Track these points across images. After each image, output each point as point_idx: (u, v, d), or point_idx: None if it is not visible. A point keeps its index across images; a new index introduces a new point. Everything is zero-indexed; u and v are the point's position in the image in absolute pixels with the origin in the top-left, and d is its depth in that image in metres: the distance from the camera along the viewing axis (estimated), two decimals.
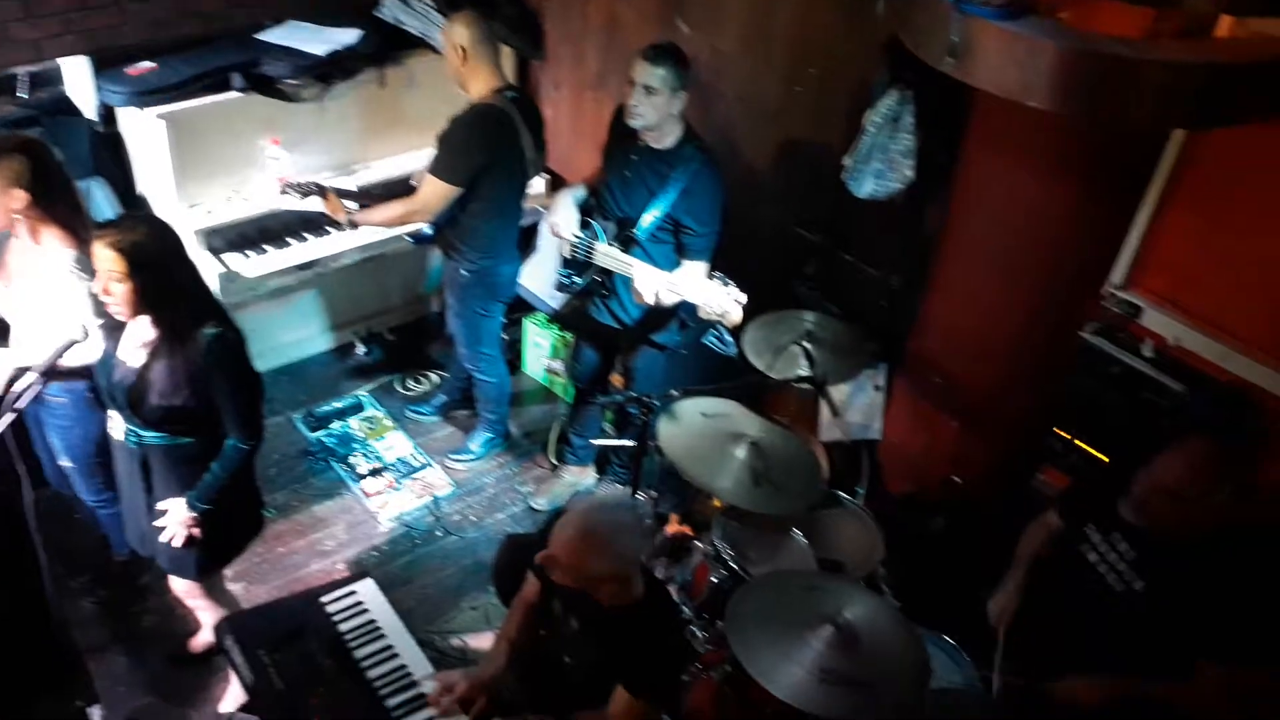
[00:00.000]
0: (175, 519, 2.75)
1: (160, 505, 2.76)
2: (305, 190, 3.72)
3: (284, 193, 3.72)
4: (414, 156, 4.20)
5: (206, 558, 2.87)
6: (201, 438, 2.71)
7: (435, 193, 3.53)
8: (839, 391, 3.63)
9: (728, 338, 3.51)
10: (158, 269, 2.48)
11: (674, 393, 3.04)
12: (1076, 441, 3.14)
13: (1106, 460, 3.07)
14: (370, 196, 3.85)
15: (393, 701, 2.39)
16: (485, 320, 3.96)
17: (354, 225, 3.71)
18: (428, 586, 3.77)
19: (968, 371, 3.52)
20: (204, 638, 3.39)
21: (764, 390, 3.95)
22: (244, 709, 2.41)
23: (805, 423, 3.77)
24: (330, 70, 4.07)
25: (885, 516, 3.37)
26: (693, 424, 3.09)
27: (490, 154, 3.53)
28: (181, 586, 3.08)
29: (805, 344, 3.22)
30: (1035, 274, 3.21)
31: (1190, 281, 2.86)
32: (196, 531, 2.77)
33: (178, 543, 2.76)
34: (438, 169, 3.52)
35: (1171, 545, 2.57)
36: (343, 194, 3.77)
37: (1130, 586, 2.63)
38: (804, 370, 3.17)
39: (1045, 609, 2.82)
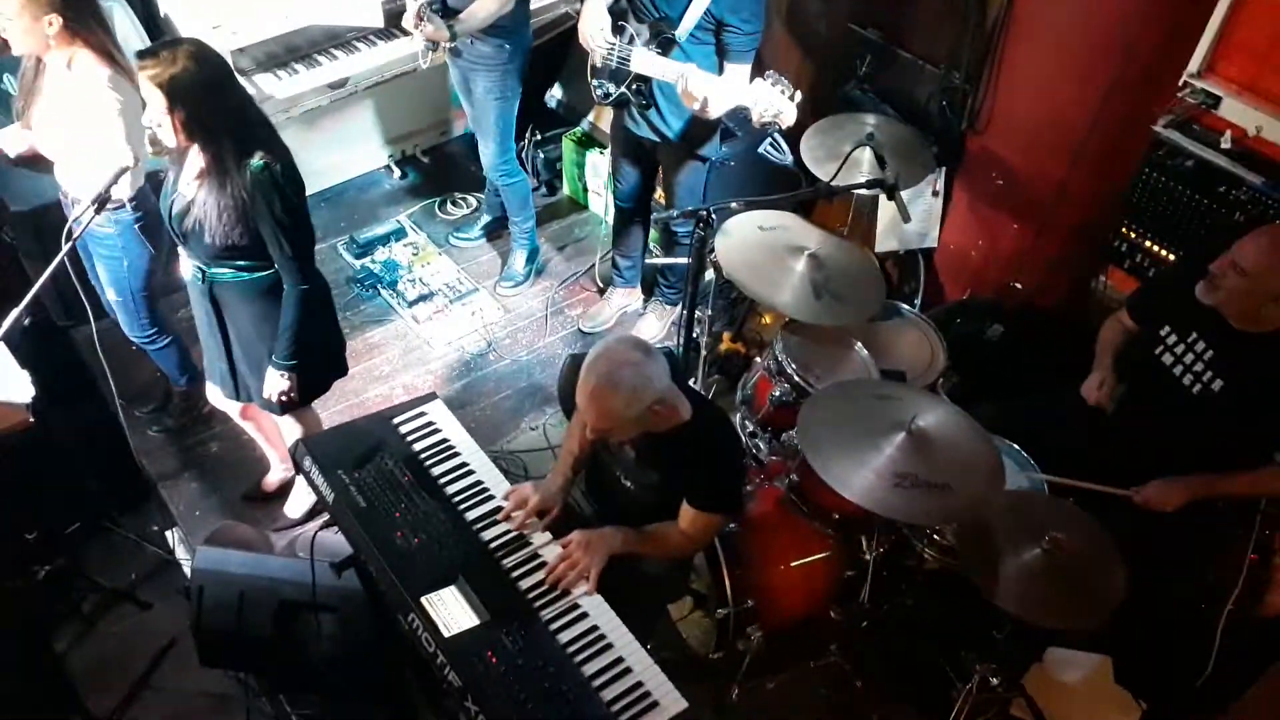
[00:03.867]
0: (272, 388, 2.81)
1: (246, 365, 2.83)
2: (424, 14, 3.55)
3: (418, 25, 3.54)
4: None
5: (296, 397, 2.92)
6: (268, 273, 2.70)
7: None
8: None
9: (784, 146, 3.42)
10: (198, 100, 2.44)
11: (734, 204, 2.98)
12: (1145, 241, 3.11)
13: (1175, 259, 3.04)
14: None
15: (472, 515, 2.45)
16: (515, 102, 3.89)
17: (456, 37, 3.58)
18: (485, 409, 3.86)
19: (1032, 170, 3.46)
20: (275, 476, 3.51)
21: (811, 203, 3.94)
22: (326, 525, 2.45)
23: (859, 234, 3.76)
24: None
25: (942, 325, 3.39)
26: (749, 238, 3.07)
27: None
28: (269, 422, 3.21)
29: (873, 147, 3.14)
30: (1107, 62, 3.09)
31: (1273, 67, 2.75)
32: (295, 395, 2.84)
33: (277, 408, 2.85)
34: None
35: (1249, 340, 2.59)
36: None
37: (1208, 387, 2.66)
38: (870, 175, 3.09)
39: (1125, 415, 2.86)
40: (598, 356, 2.24)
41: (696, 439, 2.40)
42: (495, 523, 2.46)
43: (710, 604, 2.83)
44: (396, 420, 2.65)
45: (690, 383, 3.45)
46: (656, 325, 4.17)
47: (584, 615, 2.28)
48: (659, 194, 4.07)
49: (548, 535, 2.45)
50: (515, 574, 2.34)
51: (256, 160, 2.50)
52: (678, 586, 2.85)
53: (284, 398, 2.86)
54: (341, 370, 3.10)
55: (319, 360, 2.94)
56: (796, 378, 3.00)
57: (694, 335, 3.39)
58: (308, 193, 2.66)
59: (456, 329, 4.16)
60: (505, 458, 3.64)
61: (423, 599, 2.22)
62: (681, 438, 2.38)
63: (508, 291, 4.34)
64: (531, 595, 2.30)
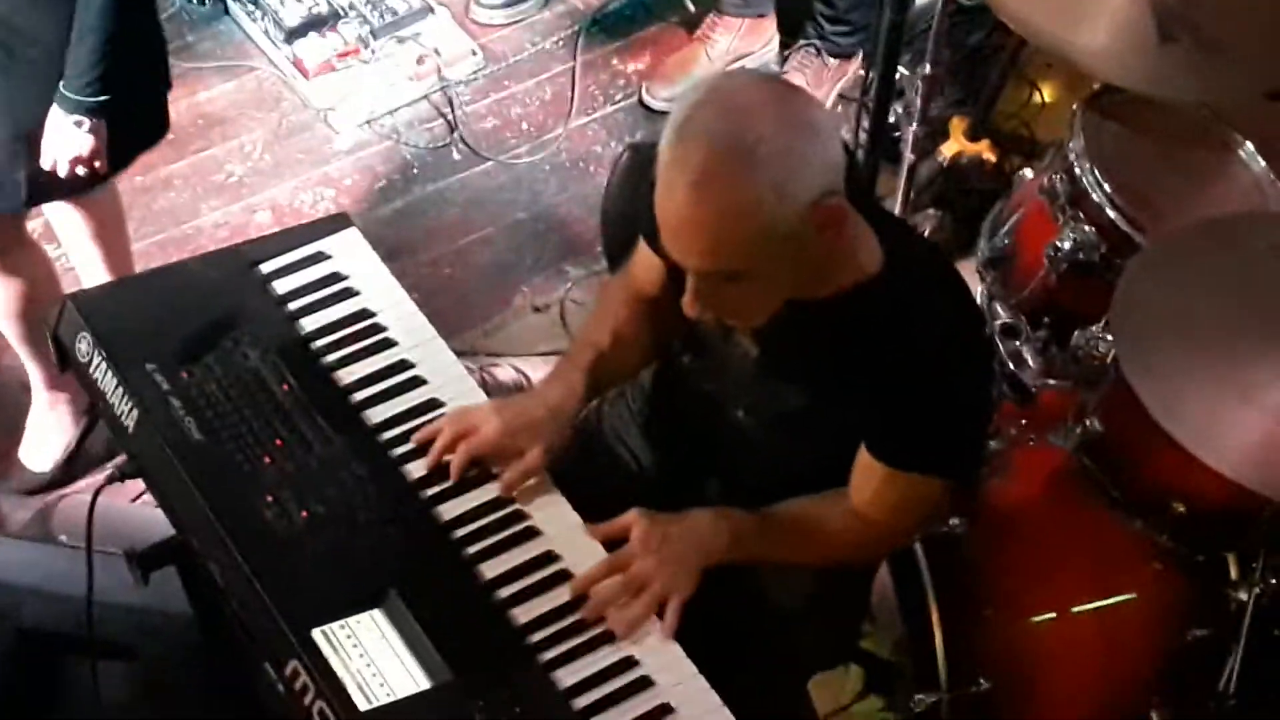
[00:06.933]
0: (67, 146, 2.92)
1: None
2: None
3: None
4: None
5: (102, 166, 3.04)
6: None
7: None
8: None
9: None
10: None
11: None
12: None
13: None
14: None
15: (416, 466, 2.46)
16: None
17: None
18: (441, 261, 3.96)
19: None
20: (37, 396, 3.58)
21: None
22: (115, 478, 2.44)
23: None
24: None
25: None
26: None
27: None
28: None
29: None
30: None
31: None
32: (101, 163, 2.99)
33: (63, 170, 2.98)
34: None
35: None
36: None
37: None
38: None
39: None
40: (704, 102, 2.19)
41: (893, 314, 2.38)
42: (467, 484, 2.46)
43: (901, 684, 2.93)
44: (267, 267, 2.66)
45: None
46: None
47: (646, 686, 2.29)
48: None
49: (564, 516, 2.46)
50: (504, 591, 2.36)
51: None
52: (835, 639, 2.88)
53: (83, 167, 2.96)
54: (161, 121, 3.25)
55: (130, 97, 3.02)
56: (1110, 212, 3.01)
57: (889, 120, 3.40)
58: None
59: (385, 94, 4.33)
60: (484, 361, 3.69)
61: (315, 633, 2.23)
62: (860, 312, 2.38)
63: (494, 17, 4.45)
64: (537, 639, 2.32)
